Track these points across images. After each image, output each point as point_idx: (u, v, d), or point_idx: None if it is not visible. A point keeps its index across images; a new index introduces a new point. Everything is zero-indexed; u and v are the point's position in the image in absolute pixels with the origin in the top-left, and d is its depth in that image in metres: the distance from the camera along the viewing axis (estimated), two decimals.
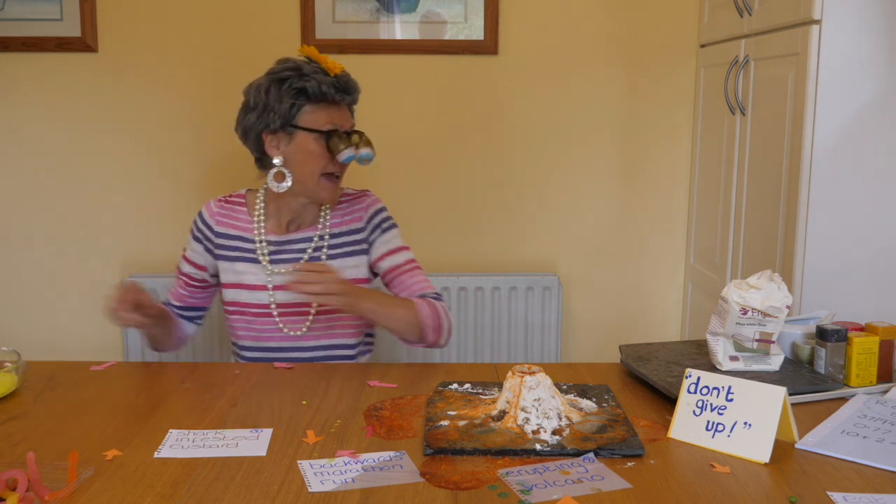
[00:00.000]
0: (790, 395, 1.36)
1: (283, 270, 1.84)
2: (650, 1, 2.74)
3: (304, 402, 1.47)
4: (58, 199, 2.77)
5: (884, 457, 1.24)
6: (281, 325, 1.84)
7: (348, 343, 1.88)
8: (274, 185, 1.78)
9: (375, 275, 1.92)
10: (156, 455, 1.25)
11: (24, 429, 1.35)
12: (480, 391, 1.50)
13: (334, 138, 1.76)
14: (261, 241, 1.85)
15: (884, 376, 1.54)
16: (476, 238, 2.84)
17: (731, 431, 1.27)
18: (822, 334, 1.54)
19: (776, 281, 1.51)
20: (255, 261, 1.85)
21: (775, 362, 1.55)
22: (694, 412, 1.32)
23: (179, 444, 1.28)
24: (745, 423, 1.27)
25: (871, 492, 1.14)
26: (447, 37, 2.72)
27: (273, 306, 1.83)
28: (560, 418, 1.32)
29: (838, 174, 1.97)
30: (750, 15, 2.27)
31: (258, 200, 1.88)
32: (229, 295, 1.87)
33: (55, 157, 2.75)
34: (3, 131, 2.74)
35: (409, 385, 1.58)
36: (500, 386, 1.51)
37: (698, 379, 1.34)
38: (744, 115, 2.32)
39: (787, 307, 1.51)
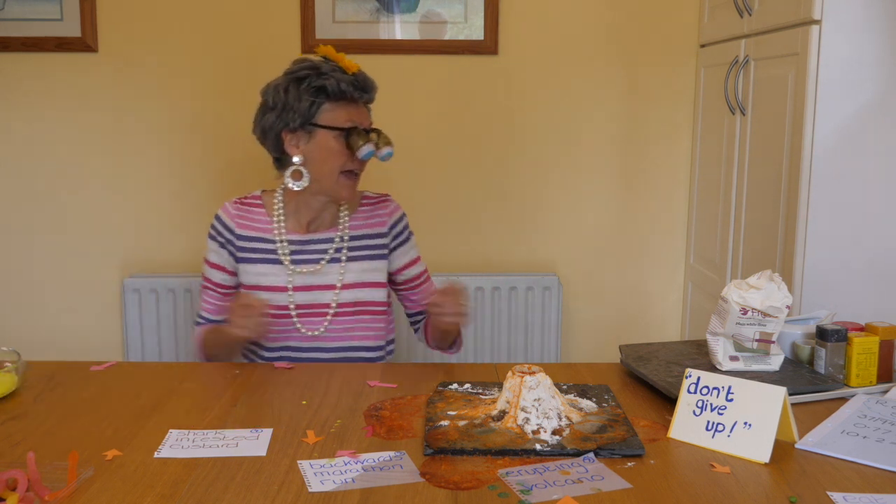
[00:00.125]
0: (790, 395, 1.35)
1: (304, 270, 1.84)
2: (650, 1, 2.74)
3: (304, 402, 1.47)
4: (58, 199, 2.77)
5: (884, 457, 1.24)
6: (299, 326, 1.84)
7: (369, 346, 1.88)
8: (291, 184, 1.79)
9: (390, 281, 1.94)
10: (156, 455, 1.25)
11: (24, 429, 1.35)
12: (480, 391, 1.50)
13: (354, 135, 1.77)
14: (281, 241, 1.85)
15: (884, 376, 1.54)
16: (476, 238, 2.84)
17: (731, 431, 1.27)
18: (822, 334, 1.54)
19: (776, 281, 1.51)
20: (276, 261, 1.85)
21: (775, 362, 1.55)
22: (694, 412, 1.32)
23: (179, 444, 1.28)
24: (745, 423, 1.27)
25: (871, 492, 1.14)
26: (447, 37, 2.72)
27: (292, 307, 1.83)
28: (560, 418, 1.32)
29: (838, 174, 1.97)
30: (750, 15, 2.27)
31: (276, 201, 1.88)
32: None
33: (55, 157, 2.75)
34: (3, 131, 2.74)
35: (409, 385, 1.58)
36: (500, 386, 1.51)
37: (698, 379, 1.34)
38: (744, 115, 2.32)
39: (787, 307, 1.51)
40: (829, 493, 1.13)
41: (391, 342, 1.97)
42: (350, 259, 1.87)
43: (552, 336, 2.75)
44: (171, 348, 2.71)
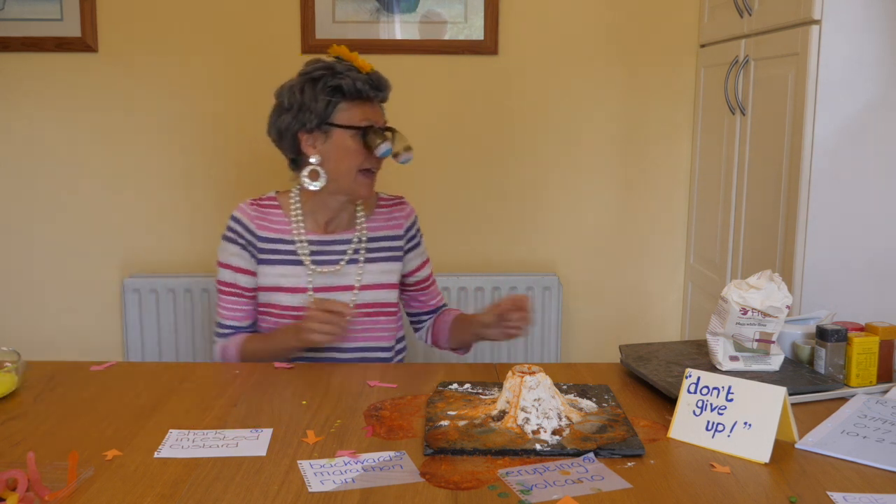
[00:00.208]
0: (790, 395, 1.35)
1: (324, 271, 1.84)
2: (650, 1, 2.74)
3: (304, 402, 1.47)
4: (58, 198, 2.77)
5: (884, 457, 1.24)
6: None
7: (384, 346, 1.90)
8: (309, 184, 1.79)
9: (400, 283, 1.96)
10: (156, 455, 1.25)
11: (24, 429, 1.35)
12: (480, 391, 1.50)
13: (370, 134, 1.78)
14: (301, 242, 1.85)
15: (884, 376, 1.54)
16: (476, 238, 2.84)
17: (731, 431, 1.27)
18: (822, 334, 1.54)
19: (776, 281, 1.51)
20: (297, 262, 1.84)
21: (775, 362, 1.55)
22: (694, 412, 1.32)
23: (179, 444, 1.28)
24: (745, 423, 1.27)
25: (871, 492, 1.14)
26: (447, 37, 2.72)
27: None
28: (560, 418, 1.32)
29: (838, 174, 1.97)
30: (750, 15, 2.27)
31: (293, 201, 1.87)
32: (264, 298, 1.85)
33: (55, 156, 2.75)
34: (3, 131, 2.74)
35: (409, 385, 1.58)
36: (500, 386, 1.51)
37: (698, 379, 1.34)
38: (744, 115, 2.32)
39: (787, 307, 1.51)
40: (829, 493, 1.13)
41: (400, 340, 1.98)
42: (368, 260, 1.88)
43: (552, 336, 2.75)
44: (171, 348, 2.72)
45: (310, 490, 1.13)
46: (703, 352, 1.65)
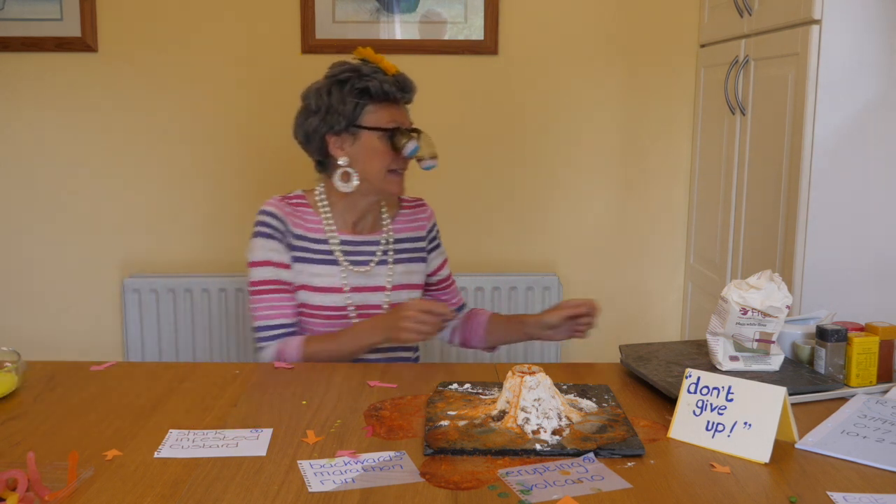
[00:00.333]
0: (790, 395, 1.35)
1: (358, 270, 1.85)
2: (650, 1, 2.74)
3: (304, 402, 1.47)
4: (58, 198, 2.77)
5: (884, 457, 1.24)
6: None
7: (410, 346, 1.93)
8: (341, 186, 1.80)
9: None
10: (156, 455, 1.25)
11: (24, 429, 1.35)
12: (480, 391, 1.50)
13: (398, 135, 1.79)
14: (335, 241, 1.85)
15: (884, 376, 1.54)
16: (476, 238, 2.84)
17: (731, 431, 1.27)
18: (822, 334, 1.54)
19: (776, 281, 1.51)
20: (331, 262, 1.83)
21: (775, 362, 1.55)
22: (694, 412, 1.32)
23: (179, 444, 1.28)
24: (745, 423, 1.27)
25: (871, 492, 1.14)
26: (447, 37, 2.72)
27: (351, 308, 1.83)
28: (560, 418, 1.32)
29: (838, 174, 1.97)
30: (750, 15, 2.27)
31: (319, 200, 1.87)
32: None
33: (55, 156, 2.75)
34: (3, 131, 2.74)
35: (409, 385, 1.58)
36: (500, 386, 1.50)
37: (698, 379, 1.34)
38: (744, 115, 2.32)
39: (787, 307, 1.51)
40: (829, 493, 1.13)
41: None
42: (397, 261, 1.90)
43: None
44: (171, 348, 2.72)
45: (310, 490, 1.13)
46: (703, 352, 1.65)
